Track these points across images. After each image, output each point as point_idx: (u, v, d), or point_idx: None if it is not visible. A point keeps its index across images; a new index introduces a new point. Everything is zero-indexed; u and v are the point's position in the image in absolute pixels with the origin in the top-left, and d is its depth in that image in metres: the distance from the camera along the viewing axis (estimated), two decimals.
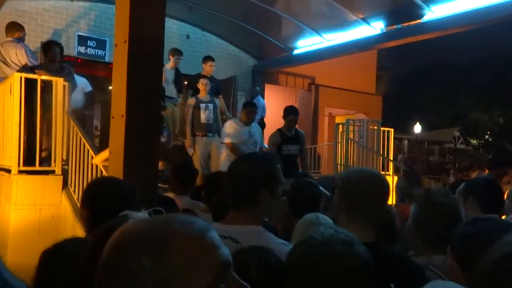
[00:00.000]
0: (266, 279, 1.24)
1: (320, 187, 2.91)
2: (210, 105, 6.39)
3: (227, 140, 5.68)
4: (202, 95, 6.44)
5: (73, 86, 5.75)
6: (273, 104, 11.39)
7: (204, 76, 6.75)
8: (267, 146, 6.03)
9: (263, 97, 10.23)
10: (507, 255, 0.54)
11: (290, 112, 5.65)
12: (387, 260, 1.42)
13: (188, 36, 9.65)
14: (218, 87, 7.27)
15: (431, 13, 6.85)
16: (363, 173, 1.75)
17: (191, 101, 6.43)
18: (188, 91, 7.17)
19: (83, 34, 8.34)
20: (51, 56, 5.77)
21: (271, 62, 10.45)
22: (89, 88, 6.59)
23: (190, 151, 6.32)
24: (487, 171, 7.70)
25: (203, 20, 9.42)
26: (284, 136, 5.60)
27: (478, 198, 2.20)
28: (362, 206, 1.59)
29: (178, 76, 7.05)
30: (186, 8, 8.69)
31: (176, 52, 6.96)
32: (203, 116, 6.29)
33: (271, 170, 1.69)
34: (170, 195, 3.30)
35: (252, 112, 5.92)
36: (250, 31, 9.30)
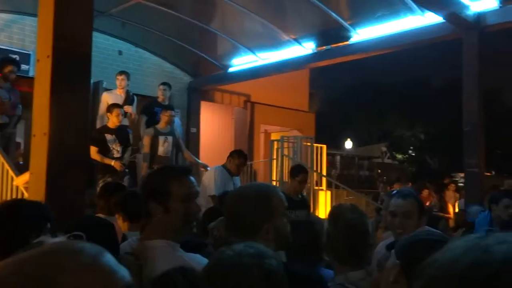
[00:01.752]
0: None
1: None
2: (170, 138, 5.94)
3: (213, 193, 4.89)
4: (162, 126, 5.93)
5: None
6: (209, 121, 11.35)
7: (162, 104, 6.38)
8: None
9: (199, 114, 10.18)
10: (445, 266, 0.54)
11: (300, 171, 4.93)
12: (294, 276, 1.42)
13: (120, 52, 9.38)
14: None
15: (357, 36, 7.23)
16: (245, 190, 1.71)
17: (150, 131, 5.94)
18: (142, 116, 6.68)
19: (4, 47, 7.81)
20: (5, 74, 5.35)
21: (207, 80, 10.43)
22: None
23: None
24: (410, 184, 8.17)
25: (137, 36, 9.23)
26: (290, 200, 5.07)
27: None
28: (249, 226, 1.52)
29: (129, 101, 6.51)
30: (119, 24, 8.46)
31: (117, 74, 6.54)
32: (161, 149, 5.80)
33: (161, 184, 1.65)
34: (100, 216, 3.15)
35: (244, 165, 5.44)
36: (185, 49, 9.25)
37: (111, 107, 5.54)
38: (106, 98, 6.22)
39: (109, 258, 0.64)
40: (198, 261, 1.56)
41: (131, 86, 6.98)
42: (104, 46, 8.82)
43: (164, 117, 5.91)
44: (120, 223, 2.91)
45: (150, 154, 5.72)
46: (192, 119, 10.29)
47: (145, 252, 1.56)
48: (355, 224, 1.77)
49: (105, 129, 5.52)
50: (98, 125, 6.06)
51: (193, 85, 10.47)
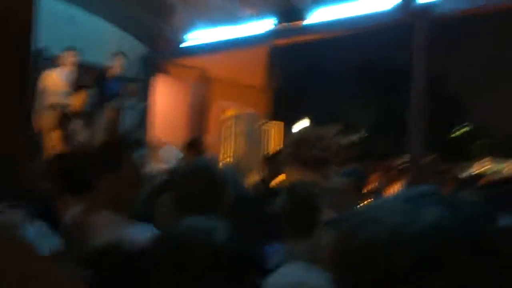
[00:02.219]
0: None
1: None
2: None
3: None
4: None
5: None
6: (163, 95, 11.13)
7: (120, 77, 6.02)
8: None
9: (153, 88, 9.94)
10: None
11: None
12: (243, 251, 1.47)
13: (73, 19, 8.92)
14: None
15: (316, 16, 7.28)
16: (186, 166, 1.74)
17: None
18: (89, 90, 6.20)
19: None
20: None
21: (163, 53, 10.17)
22: None
23: None
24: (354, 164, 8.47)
25: (91, 2, 8.80)
26: None
27: None
28: (191, 201, 1.58)
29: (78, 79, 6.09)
30: None
31: (67, 50, 6.05)
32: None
33: (114, 152, 1.67)
34: None
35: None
36: (143, 20, 8.94)
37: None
38: (53, 76, 5.84)
39: (29, 230, 0.63)
40: (148, 233, 1.57)
41: (84, 56, 6.62)
42: (56, 11, 8.35)
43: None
44: None
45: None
46: (146, 92, 10.05)
47: (91, 223, 1.54)
48: (308, 196, 1.84)
49: None
50: (40, 101, 5.65)
51: (148, 57, 10.18)
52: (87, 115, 5.47)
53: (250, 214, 2.24)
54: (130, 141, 2.00)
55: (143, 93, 9.89)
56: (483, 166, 40.38)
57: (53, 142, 5.40)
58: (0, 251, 0.59)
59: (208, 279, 1.11)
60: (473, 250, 0.47)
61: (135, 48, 10.07)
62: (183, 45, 9.42)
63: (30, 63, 2.70)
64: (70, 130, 5.21)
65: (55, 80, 5.61)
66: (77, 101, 5.67)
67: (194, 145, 5.11)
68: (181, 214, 1.57)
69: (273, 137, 9.95)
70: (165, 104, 10.35)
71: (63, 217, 2.31)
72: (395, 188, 8.59)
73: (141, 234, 1.57)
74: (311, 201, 1.87)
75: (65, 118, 5.30)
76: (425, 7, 6.00)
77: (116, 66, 6.26)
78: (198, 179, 1.60)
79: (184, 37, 9.32)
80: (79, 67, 6.01)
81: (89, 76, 6.40)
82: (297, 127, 28.55)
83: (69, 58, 5.86)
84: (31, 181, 3.46)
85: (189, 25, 9.03)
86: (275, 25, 7.91)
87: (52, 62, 6.55)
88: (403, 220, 0.49)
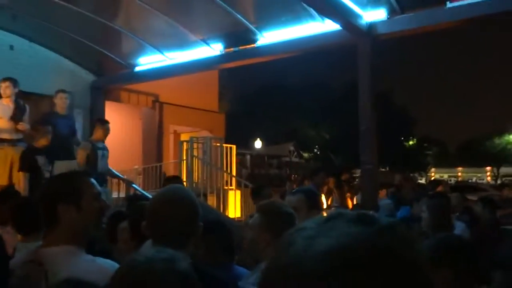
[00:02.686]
0: None
1: None
2: (106, 152, 5.72)
3: None
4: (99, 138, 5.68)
5: None
6: (116, 122, 10.89)
7: (56, 114, 5.73)
8: None
9: (103, 115, 9.70)
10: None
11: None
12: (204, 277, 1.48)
13: (12, 47, 8.62)
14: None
15: (263, 39, 7.46)
16: (165, 197, 1.73)
17: (86, 145, 5.57)
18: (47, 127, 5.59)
19: None
20: None
21: (112, 79, 10.01)
22: None
23: None
24: (306, 181, 8.68)
25: (31, 30, 8.54)
26: None
27: None
28: (169, 232, 1.57)
29: (20, 111, 5.55)
30: (9, 16, 7.75)
31: (2, 81, 5.50)
32: (99, 166, 5.50)
33: (72, 184, 1.64)
34: None
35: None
36: (87, 45, 8.77)
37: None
38: None
39: None
40: (109, 266, 1.54)
41: (24, 85, 6.31)
42: None
43: (103, 130, 5.67)
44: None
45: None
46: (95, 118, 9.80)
47: (50, 258, 1.49)
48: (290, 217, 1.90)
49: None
50: None
51: (96, 84, 9.96)
52: (47, 152, 5.23)
53: (221, 237, 2.25)
54: (88, 172, 1.99)
55: (92, 119, 9.63)
56: (430, 175, 42.25)
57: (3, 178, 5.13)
58: None
59: None
60: (372, 266, 0.46)
61: (81, 74, 9.84)
62: (132, 70, 9.31)
63: None
64: (38, 164, 5.00)
65: None
66: (40, 137, 5.30)
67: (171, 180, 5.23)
68: (156, 242, 1.57)
69: (228, 158, 9.96)
70: (117, 130, 10.12)
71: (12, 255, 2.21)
72: (349, 201, 8.85)
73: (107, 265, 1.54)
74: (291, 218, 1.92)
75: (30, 154, 5.07)
76: (369, 28, 6.34)
77: (60, 104, 5.88)
78: (177, 206, 1.61)
79: (134, 62, 9.23)
80: (19, 97, 5.65)
81: (30, 106, 6.01)
82: (251, 146, 28.78)
83: (7, 89, 5.39)
84: None
85: (138, 51, 8.97)
86: (224, 49, 8.03)
87: None
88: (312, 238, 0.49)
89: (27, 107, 5.72)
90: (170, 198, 1.66)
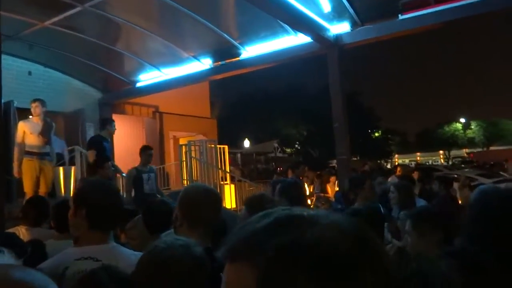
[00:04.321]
0: None
1: (172, 205, 2.84)
2: (152, 175, 5.59)
3: None
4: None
5: None
6: (122, 132, 10.83)
7: (102, 138, 5.59)
8: None
9: None
10: None
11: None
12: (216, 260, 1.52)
13: (30, 73, 8.54)
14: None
15: (246, 52, 7.50)
16: (196, 188, 1.80)
17: (131, 172, 5.47)
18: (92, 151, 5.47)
19: None
20: None
21: (117, 95, 9.96)
22: None
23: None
24: (291, 172, 8.74)
25: (45, 57, 8.47)
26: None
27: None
28: (197, 216, 1.63)
29: (47, 128, 5.46)
30: (26, 46, 7.68)
31: (32, 102, 5.47)
32: (146, 187, 5.41)
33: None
34: (22, 228, 2.90)
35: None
36: (94, 67, 8.73)
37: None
38: (23, 127, 5.32)
39: (19, 273, 0.54)
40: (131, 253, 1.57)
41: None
42: (13, 67, 7.98)
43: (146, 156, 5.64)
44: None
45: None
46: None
47: (102, 254, 1.51)
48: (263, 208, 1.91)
49: None
50: (15, 151, 5.22)
51: (103, 100, 9.92)
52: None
53: (220, 225, 2.29)
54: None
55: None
56: (394, 161, 42.67)
57: (30, 186, 5.10)
58: None
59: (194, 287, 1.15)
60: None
61: (90, 93, 9.78)
62: (134, 86, 9.28)
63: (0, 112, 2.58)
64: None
65: (28, 130, 5.25)
66: (90, 157, 5.32)
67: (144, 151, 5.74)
68: (187, 229, 1.60)
69: (222, 157, 9.97)
70: (124, 139, 10.08)
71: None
72: (328, 188, 8.94)
73: (127, 255, 1.56)
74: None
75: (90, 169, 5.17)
76: (336, 39, 6.42)
77: (109, 132, 5.79)
78: (206, 199, 1.66)
79: (135, 79, 9.20)
80: (46, 115, 5.63)
81: (56, 123, 5.93)
82: (240, 146, 28.76)
83: (37, 109, 5.33)
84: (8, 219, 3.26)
85: (138, 69, 8.93)
86: (212, 63, 8.05)
87: (21, 113, 6.17)
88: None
89: (54, 124, 5.68)
90: (206, 192, 1.70)
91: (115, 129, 5.78)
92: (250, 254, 0.45)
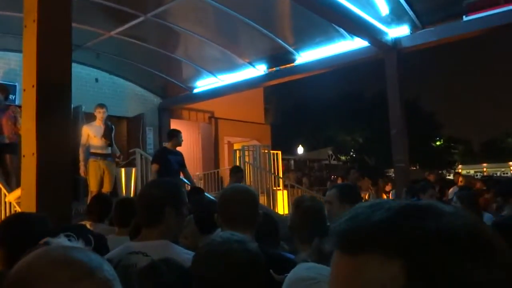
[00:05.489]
0: (177, 281, 1.27)
1: None
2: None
3: None
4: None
5: None
6: None
7: (167, 151, 5.69)
8: None
9: None
10: None
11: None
12: (267, 256, 1.51)
13: (97, 80, 9.20)
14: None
15: (301, 58, 7.47)
16: (230, 188, 1.82)
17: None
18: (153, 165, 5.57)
19: None
20: None
21: (175, 100, 10.39)
22: None
23: None
24: (341, 179, 8.49)
25: (111, 65, 9.08)
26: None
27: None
28: (230, 213, 1.65)
29: (108, 131, 5.75)
30: (94, 55, 8.30)
31: (96, 107, 5.79)
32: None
33: (176, 192, 1.72)
34: (87, 223, 3.10)
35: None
36: (155, 74, 9.19)
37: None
38: (87, 130, 5.65)
39: (106, 267, 0.62)
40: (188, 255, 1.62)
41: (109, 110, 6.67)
42: (82, 75, 8.65)
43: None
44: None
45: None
46: (163, 135, 10.20)
47: (152, 249, 1.57)
48: (312, 209, 1.87)
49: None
50: (81, 153, 5.55)
51: (162, 105, 10.39)
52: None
53: (271, 226, 2.28)
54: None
55: (160, 135, 10.02)
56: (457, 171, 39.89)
57: (95, 185, 5.46)
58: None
59: (250, 280, 1.15)
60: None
61: (151, 98, 10.30)
62: (192, 92, 9.62)
63: (70, 117, 2.79)
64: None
65: (92, 133, 5.61)
66: (153, 171, 5.47)
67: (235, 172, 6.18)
68: (226, 226, 1.64)
69: (275, 163, 9.98)
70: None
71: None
72: (384, 196, 8.59)
73: (189, 254, 1.61)
74: (318, 211, 1.90)
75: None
76: (394, 43, 6.18)
77: (172, 144, 5.86)
78: (243, 195, 1.69)
79: (192, 85, 9.54)
80: (109, 120, 5.98)
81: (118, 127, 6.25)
82: (294, 152, 28.61)
83: (100, 113, 5.67)
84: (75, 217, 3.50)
85: (195, 75, 9.25)
86: (267, 69, 8.11)
87: (89, 117, 6.59)
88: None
89: (114, 127, 6.02)
90: (238, 189, 1.74)
91: (182, 140, 5.77)
92: (384, 244, 0.42)
